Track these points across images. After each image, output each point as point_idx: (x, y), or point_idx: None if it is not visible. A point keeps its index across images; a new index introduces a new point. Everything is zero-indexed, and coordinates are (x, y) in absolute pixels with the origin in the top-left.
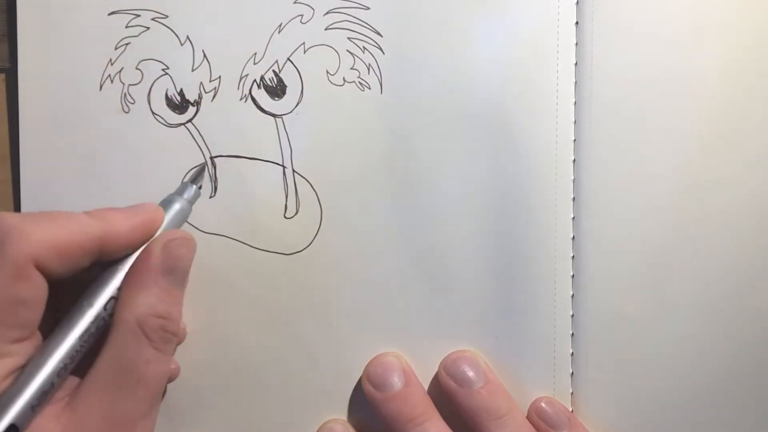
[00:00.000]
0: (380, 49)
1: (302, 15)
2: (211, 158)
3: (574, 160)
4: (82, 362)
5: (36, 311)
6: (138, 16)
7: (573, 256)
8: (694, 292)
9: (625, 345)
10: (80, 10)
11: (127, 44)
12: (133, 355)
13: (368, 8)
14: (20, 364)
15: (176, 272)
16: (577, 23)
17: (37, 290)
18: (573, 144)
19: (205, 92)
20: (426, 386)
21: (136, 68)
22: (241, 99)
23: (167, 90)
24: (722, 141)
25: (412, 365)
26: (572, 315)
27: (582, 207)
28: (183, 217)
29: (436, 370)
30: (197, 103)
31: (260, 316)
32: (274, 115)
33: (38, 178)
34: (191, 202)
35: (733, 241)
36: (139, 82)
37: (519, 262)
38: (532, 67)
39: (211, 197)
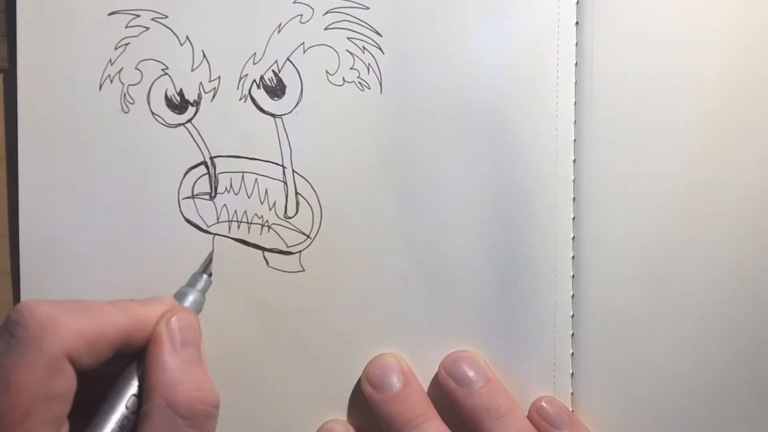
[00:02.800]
0: (380, 49)
1: (302, 15)
2: (211, 158)
3: (574, 160)
4: None
5: (67, 405)
6: (138, 16)
7: (573, 256)
8: (695, 292)
9: (625, 345)
10: (80, 10)
11: (126, 44)
12: None
13: (368, 8)
14: None
15: (188, 345)
16: (577, 23)
17: (69, 384)
18: (573, 144)
19: (205, 92)
20: (426, 386)
21: (136, 68)
22: (240, 99)
23: (167, 90)
24: (723, 141)
25: (412, 365)
26: (572, 315)
27: (582, 207)
28: (198, 309)
29: (436, 370)
30: (197, 103)
31: (260, 316)
32: (273, 115)
33: (37, 178)
34: (203, 292)
35: (733, 241)
36: (139, 82)
37: (519, 262)
38: (532, 67)
39: (211, 197)
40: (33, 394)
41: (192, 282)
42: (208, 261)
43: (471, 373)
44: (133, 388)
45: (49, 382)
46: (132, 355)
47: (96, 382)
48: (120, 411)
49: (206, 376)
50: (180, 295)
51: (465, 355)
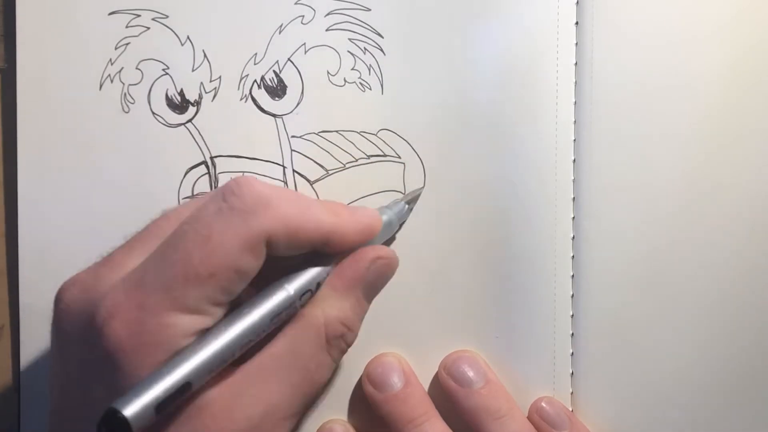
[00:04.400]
0: (381, 50)
1: (303, 16)
2: (211, 158)
3: (574, 160)
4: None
5: (245, 283)
6: (138, 16)
7: (573, 256)
8: (694, 292)
9: (625, 345)
10: (80, 9)
11: (127, 44)
12: (310, 354)
13: (369, 9)
14: (209, 326)
15: (375, 288)
16: (577, 23)
17: (257, 265)
18: (573, 144)
19: (206, 92)
20: (426, 386)
21: (137, 68)
22: (241, 99)
23: (167, 90)
24: (723, 141)
25: (412, 365)
26: (572, 315)
27: (582, 207)
28: (391, 232)
29: (436, 370)
30: (197, 103)
31: None
32: (274, 115)
33: (36, 178)
34: (399, 219)
35: (733, 241)
36: (140, 82)
37: (519, 262)
38: (532, 67)
39: None
40: (225, 260)
41: (392, 206)
42: (416, 195)
43: (471, 374)
44: (313, 285)
45: (241, 256)
46: (323, 255)
47: (274, 274)
48: (293, 297)
49: (361, 320)
50: (380, 212)
51: (465, 355)
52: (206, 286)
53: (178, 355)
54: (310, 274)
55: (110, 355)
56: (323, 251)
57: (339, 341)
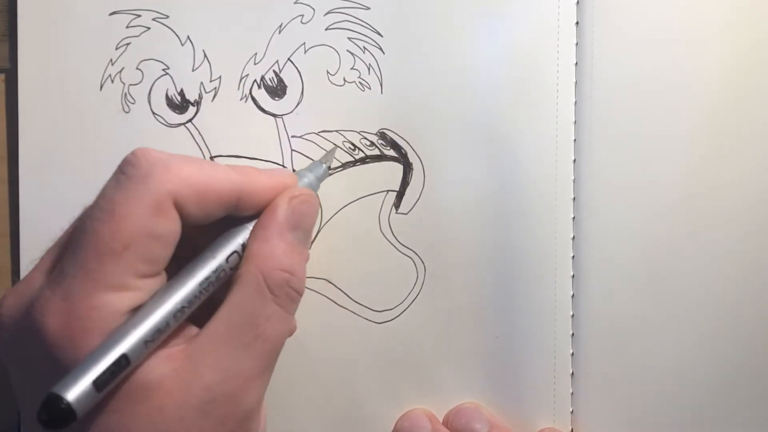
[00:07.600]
0: (380, 49)
1: (303, 15)
2: (211, 158)
3: (574, 160)
4: (204, 314)
5: (168, 249)
6: (139, 16)
7: (573, 256)
8: (695, 292)
9: (625, 345)
10: (81, 10)
11: (127, 44)
12: (254, 309)
13: (368, 8)
14: (143, 301)
15: (301, 228)
16: (577, 23)
17: (172, 227)
18: (573, 144)
19: (206, 92)
20: None
21: (137, 68)
22: (241, 99)
23: (168, 90)
24: (723, 141)
25: (411, 364)
26: (572, 315)
27: (582, 207)
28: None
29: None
30: (197, 103)
31: None
32: (274, 115)
33: (38, 177)
34: (319, 179)
35: (733, 241)
36: (140, 82)
37: (519, 262)
38: (532, 66)
39: None
40: (135, 228)
41: (310, 168)
42: (331, 153)
43: (476, 426)
44: (237, 245)
45: (151, 220)
46: (243, 219)
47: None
48: (219, 261)
49: (302, 265)
50: (298, 176)
51: (466, 406)
52: (124, 259)
53: (111, 333)
54: (232, 235)
55: (48, 351)
56: (240, 214)
57: (284, 288)
